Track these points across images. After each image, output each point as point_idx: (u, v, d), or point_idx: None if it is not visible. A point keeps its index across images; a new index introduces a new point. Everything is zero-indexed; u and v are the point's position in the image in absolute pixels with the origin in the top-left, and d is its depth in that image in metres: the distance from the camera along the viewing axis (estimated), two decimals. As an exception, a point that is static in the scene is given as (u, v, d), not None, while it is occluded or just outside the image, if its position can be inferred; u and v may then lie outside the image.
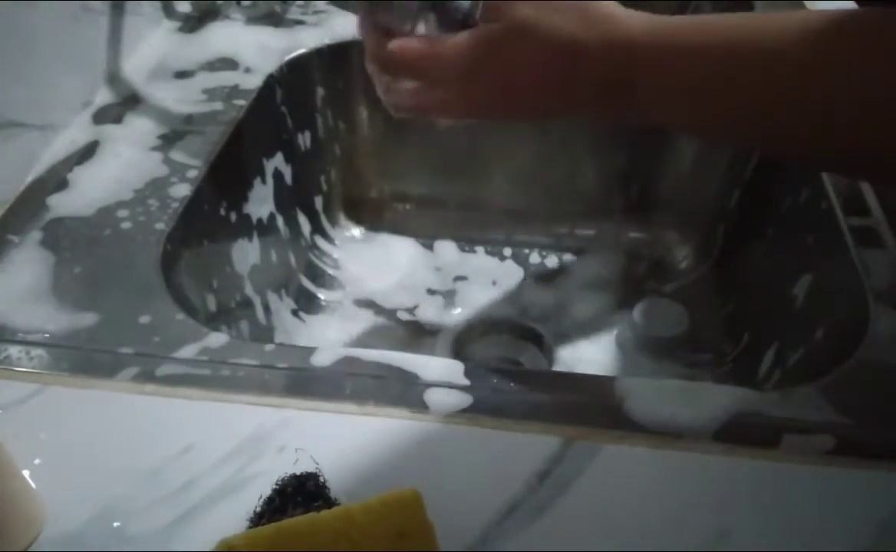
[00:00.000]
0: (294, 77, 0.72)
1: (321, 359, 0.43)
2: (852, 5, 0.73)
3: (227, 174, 0.61)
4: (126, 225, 0.52)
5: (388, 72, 0.40)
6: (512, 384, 0.42)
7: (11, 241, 0.51)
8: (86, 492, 0.36)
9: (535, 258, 0.79)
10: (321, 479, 0.35)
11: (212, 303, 0.56)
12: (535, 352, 0.69)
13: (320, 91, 0.76)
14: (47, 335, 0.44)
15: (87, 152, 0.59)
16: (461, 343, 0.70)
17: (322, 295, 0.73)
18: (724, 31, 0.34)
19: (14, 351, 0.43)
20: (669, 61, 0.35)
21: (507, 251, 0.79)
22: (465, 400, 0.41)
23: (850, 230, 0.52)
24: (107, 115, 0.63)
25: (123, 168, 0.58)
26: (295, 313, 0.69)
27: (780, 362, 0.55)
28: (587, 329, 0.70)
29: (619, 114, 0.38)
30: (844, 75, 0.31)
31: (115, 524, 0.35)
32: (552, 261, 0.78)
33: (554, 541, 0.35)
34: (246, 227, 0.64)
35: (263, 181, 0.68)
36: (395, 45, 0.38)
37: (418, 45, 0.38)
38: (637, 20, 0.36)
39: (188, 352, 0.43)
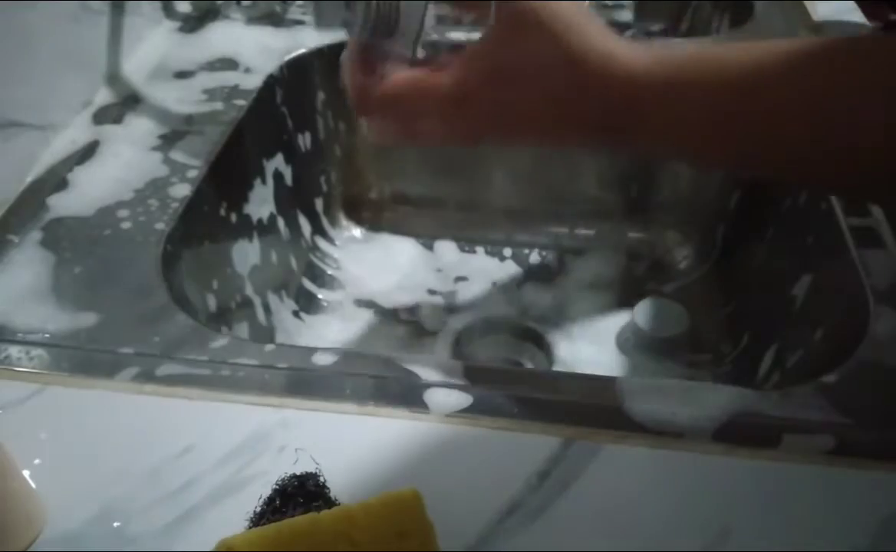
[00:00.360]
0: (294, 77, 0.72)
1: (321, 359, 0.43)
2: (851, 6, 0.73)
3: (228, 174, 0.61)
4: (126, 225, 0.52)
5: (375, 112, 0.39)
6: (512, 384, 0.42)
7: (11, 241, 0.51)
8: (86, 492, 0.36)
9: (535, 258, 0.79)
10: (321, 479, 0.35)
11: (212, 304, 0.56)
12: (535, 352, 0.69)
13: (320, 91, 0.76)
14: (47, 335, 0.44)
15: (87, 152, 0.59)
16: (461, 343, 0.70)
17: (322, 295, 0.73)
18: (732, 63, 0.33)
19: (14, 351, 0.43)
20: (672, 99, 0.34)
21: (508, 251, 0.79)
22: (465, 400, 0.41)
23: (850, 230, 0.52)
24: (107, 115, 0.63)
25: (123, 168, 0.58)
26: (295, 313, 0.70)
27: (779, 362, 0.55)
28: (587, 329, 0.70)
29: (615, 148, 0.38)
30: (861, 97, 0.31)
31: (116, 524, 0.35)
32: (552, 261, 0.78)
33: (554, 541, 0.35)
34: (246, 228, 0.64)
35: (263, 181, 0.68)
36: (381, 87, 0.37)
37: (404, 79, 0.37)
38: (636, 55, 0.34)
39: (188, 352, 0.43)
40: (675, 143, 0.35)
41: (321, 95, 0.76)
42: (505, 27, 0.35)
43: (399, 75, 0.38)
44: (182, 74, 0.69)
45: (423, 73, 0.37)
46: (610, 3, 0.83)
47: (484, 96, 0.36)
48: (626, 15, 0.82)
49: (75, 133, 0.61)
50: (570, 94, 0.35)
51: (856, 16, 0.76)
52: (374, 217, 0.82)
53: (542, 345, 0.69)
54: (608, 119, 0.35)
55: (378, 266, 0.77)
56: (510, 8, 0.35)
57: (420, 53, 0.39)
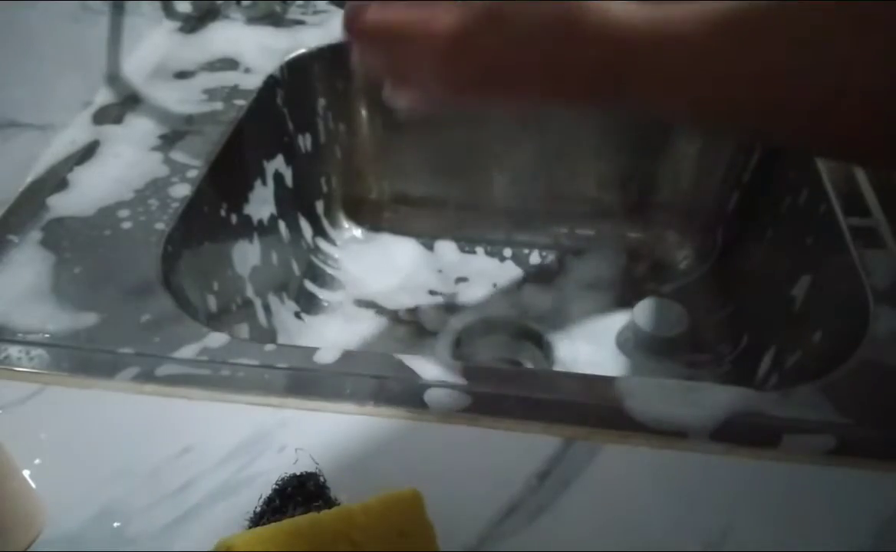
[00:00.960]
0: (294, 77, 0.72)
1: (321, 359, 0.43)
2: None
3: (228, 175, 0.61)
4: (126, 225, 0.52)
5: (364, 39, 0.38)
6: (512, 384, 0.42)
7: (11, 241, 0.51)
8: (86, 493, 0.36)
9: (535, 258, 0.79)
10: (321, 479, 0.35)
11: (212, 304, 0.56)
12: (535, 352, 0.69)
13: (321, 91, 0.76)
14: (47, 335, 0.44)
15: (87, 152, 0.59)
16: (461, 343, 0.70)
17: (323, 295, 0.73)
18: (733, 10, 0.32)
19: (14, 351, 0.43)
20: (670, 47, 0.32)
21: (508, 251, 0.79)
22: (464, 400, 0.41)
23: (850, 230, 0.52)
24: (107, 115, 0.63)
25: (123, 168, 0.58)
26: (296, 314, 0.70)
27: (779, 362, 0.55)
28: (587, 329, 0.70)
29: (612, 106, 0.37)
30: (860, 39, 0.29)
31: (115, 524, 0.35)
32: (552, 261, 0.78)
33: (554, 540, 0.35)
34: (246, 228, 0.64)
35: (264, 182, 0.68)
36: (373, 13, 0.36)
37: (401, 11, 0.36)
38: (634, 6, 0.33)
39: (188, 352, 0.43)
40: (673, 95, 0.34)
41: (321, 95, 0.76)
42: None
43: (396, 8, 0.36)
44: (182, 74, 0.69)
45: (421, 9, 0.35)
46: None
47: (481, 42, 0.34)
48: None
49: (75, 133, 0.61)
50: (567, 45, 0.33)
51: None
52: (374, 217, 0.82)
53: (541, 346, 0.69)
54: (606, 71, 0.34)
55: (378, 266, 0.77)
56: None
57: None
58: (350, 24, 0.37)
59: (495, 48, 0.34)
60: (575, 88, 0.35)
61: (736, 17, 0.31)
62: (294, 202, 0.73)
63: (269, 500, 0.35)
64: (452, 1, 0.35)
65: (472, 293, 0.75)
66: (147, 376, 0.42)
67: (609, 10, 0.33)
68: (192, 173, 0.57)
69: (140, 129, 0.62)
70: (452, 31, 0.34)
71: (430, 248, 0.79)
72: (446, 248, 0.79)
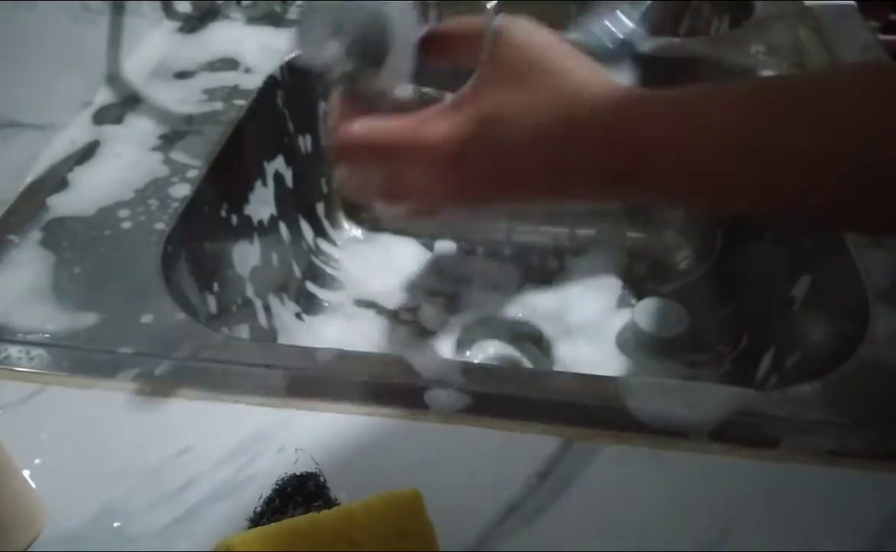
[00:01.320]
0: (294, 77, 0.72)
1: (321, 358, 0.43)
2: (849, 3, 0.73)
3: (228, 175, 0.61)
4: (126, 225, 0.52)
5: (354, 160, 0.36)
6: (512, 384, 0.42)
7: (11, 241, 0.51)
8: (86, 493, 0.36)
9: (535, 258, 0.79)
10: (321, 479, 0.35)
11: (212, 304, 0.56)
12: (536, 352, 0.69)
13: (320, 91, 0.76)
14: (47, 335, 0.44)
15: (87, 152, 0.59)
16: (462, 343, 0.70)
17: (323, 295, 0.73)
18: (748, 95, 0.30)
19: (14, 351, 0.43)
20: (682, 130, 0.30)
21: (508, 251, 0.79)
22: (465, 400, 0.41)
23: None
24: (107, 115, 0.64)
25: (124, 168, 0.58)
26: (296, 314, 0.70)
27: (779, 362, 0.55)
28: (587, 329, 0.70)
29: (626, 198, 0.35)
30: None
31: (115, 524, 0.35)
32: (552, 261, 0.78)
33: (554, 540, 0.35)
34: (246, 228, 0.64)
35: (264, 182, 0.68)
36: (362, 125, 0.34)
37: (391, 126, 0.34)
38: (635, 91, 0.31)
39: (188, 351, 0.43)
40: (691, 180, 0.31)
41: (321, 95, 0.76)
42: (494, 73, 0.33)
43: (384, 121, 0.34)
44: (182, 74, 0.69)
45: (412, 120, 0.33)
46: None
47: (479, 150, 0.32)
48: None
49: (75, 133, 0.61)
50: (570, 139, 0.31)
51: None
52: (374, 218, 0.82)
53: (541, 346, 0.69)
54: (614, 164, 0.31)
55: (379, 266, 0.77)
56: (496, 54, 0.32)
57: (409, 92, 0.37)
58: (338, 149, 0.35)
59: (494, 154, 0.32)
60: (585, 183, 0.33)
61: (764, 98, 0.30)
62: (294, 202, 0.73)
63: (269, 500, 0.35)
64: (440, 109, 0.34)
65: (473, 293, 0.75)
66: (147, 376, 0.42)
67: (607, 94, 0.31)
68: (192, 173, 0.57)
69: (140, 129, 0.62)
70: (448, 141, 0.32)
71: (430, 247, 0.79)
72: (446, 248, 0.79)
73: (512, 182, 0.33)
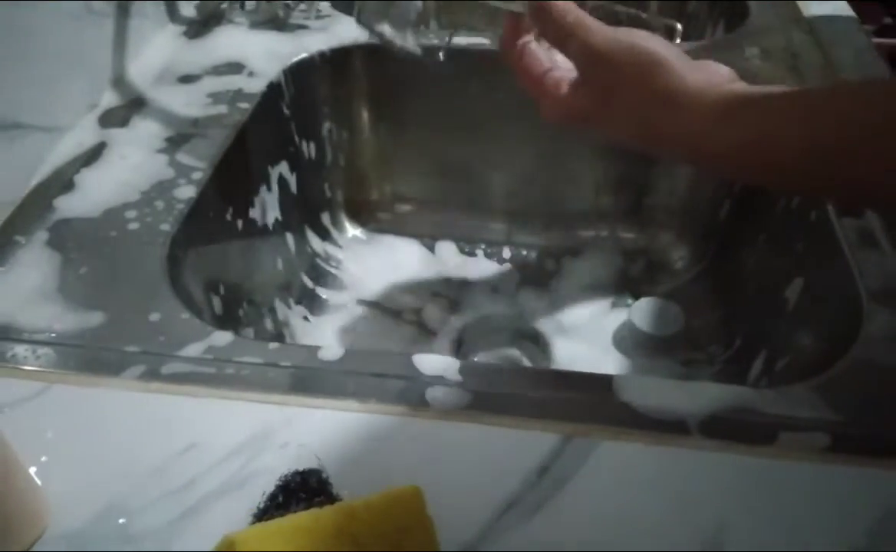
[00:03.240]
0: (297, 81, 0.73)
1: (324, 357, 0.44)
2: (843, 6, 0.73)
3: (233, 177, 0.62)
4: (133, 226, 0.53)
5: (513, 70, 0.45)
6: (511, 382, 0.43)
7: (18, 242, 0.51)
8: (91, 490, 0.37)
9: (533, 259, 0.79)
10: (324, 476, 0.36)
11: (217, 304, 0.56)
12: (534, 351, 0.70)
13: (323, 94, 0.76)
14: (54, 334, 0.45)
15: (94, 154, 0.60)
16: (462, 342, 0.70)
17: (326, 295, 0.74)
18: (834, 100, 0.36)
19: (21, 350, 0.44)
20: (763, 145, 0.37)
21: (507, 252, 0.80)
22: (464, 397, 0.41)
23: (844, 231, 0.52)
24: (113, 118, 0.64)
25: (129, 170, 0.58)
26: (299, 313, 0.70)
27: (774, 361, 0.55)
28: (584, 329, 0.71)
29: (708, 171, 0.42)
30: None
31: (120, 521, 0.36)
32: (551, 262, 0.78)
33: (553, 536, 0.35)
34: (251, 230, 0.65)
35: (268, 184, 0.69)
36: (518, 53, 0.45)
37: (529, 69, 0.44)
38: (723, 93, 0.38)
39: (193, 350, 0.44)
40: (763, 174, 0.39)
41: (325, 99, 0.77)
42: (589, 69, 0.41)
43: (529, 59, 0.44)
44: (187, 78, 0.69)
45: (542, 75, 0.44)
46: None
47: (590, 115, 0.42)
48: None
49: (81, 135, 0.62)
50: (662, 127, 0.39)
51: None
52: (376, 219, 0.83)
53: (540, 345, 0.70)
54: (701, 148, 0.38)
55: (381, 267, 0.78)
56: (588, 51, 0.40)
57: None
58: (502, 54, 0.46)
59: (601, 119, 0.42)
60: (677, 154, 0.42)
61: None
62: (297, 203, 0.74)
63: (273, 496, 0.35)
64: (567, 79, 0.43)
65: (473, 293, 0.75)
66: (153, 374, 0.42)
67: (701, 93, 0.38)
68: (198, 175, 0.57)
69: (146, 132, 0.62)
70: (570, 104, 0.42)
71: (431, 249, 0.80)
72: (447, 249, 0.80)
73: (613, 115, 0.41)
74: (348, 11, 0.76)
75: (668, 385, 0.43)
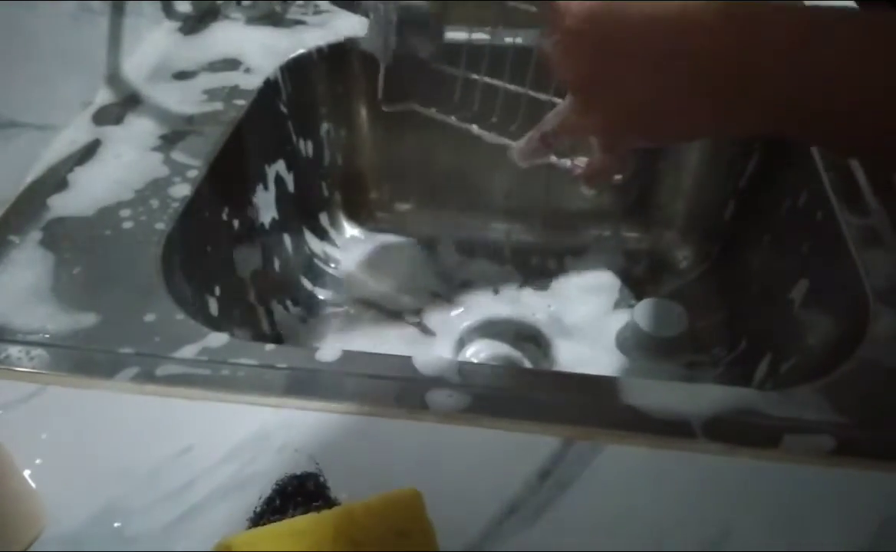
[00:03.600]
0: (294, 77, 0.72)
1: (322, 358, 0.43)
2: (850, 6, 0.73)
3: (228, 175, 0.61)
4: (127, 225, 0.52)
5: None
6: (512, 384, 0.42)
7: (11, 242, 0.51)
8: (86, 492, 0.36)
9: (535, 259, 0.79)
10: (321, 479, 0.35)
11: (213, 305, 0.56)
12: (536, 352, 0.69)
13: (321, 92, 0.76)
14: (47, 335, 0.44)
15: (88, 152, 0.59)
16: (462, 343, 0.70)
17: (323, 296, 0.74)
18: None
19: (14, 351, 0.43)
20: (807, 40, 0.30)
21: (508, 252, 0.79)
22: (464, 400, 0.41)
23: (850, 230, 0.52)
24: (107, 116, 0.64)
25: (124, 168, 0.58)
26: (297, 314, 0.70)
27: (779, 362, 0.55)
28: (587, 330, 0.70)
29: (725, 121, 0.35)
30: None
31: (116, 524, 0.35)
32: (552, 262, 0.78)
33: (554, 540, 0.35)
34: (247, 229, 0.64)
35: (264, 182, 0.68)
36: None
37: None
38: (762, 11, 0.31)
39: (188, 352, 0.43)
40: (799, 100, 0.31)
41: (322, 96, 0.76)
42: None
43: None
44: (182, 75, 0.69)
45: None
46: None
47: (601, 21, 0.36)
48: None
49: (76, 133, 0.61)
50: (681, 32, 0.33)
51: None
52: (375, 219, 0.82)
53: (541, 346, 0.69)
54: (720, 66, 0.32)
55: (379, 267, 0.77)
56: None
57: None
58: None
59: (610, 34, 0.36)
60: (690, 94, 0.34)
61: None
62: (295, 203, 0.73)
63: (270, 500, 0.35)
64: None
65: (473, 294, 0.75)
66: (147, 376, 0.42)
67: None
68: (193, 173, 0.57)
69: (140, 130, 0.62)
70: (573, 14, 0.36)
71: (430, 248, 0.80)
72: (447, 250, 0.80)
73: (623, 65, 0.36)
74: (347, 7, 0.75)
75: (671, 387, 0.42)
